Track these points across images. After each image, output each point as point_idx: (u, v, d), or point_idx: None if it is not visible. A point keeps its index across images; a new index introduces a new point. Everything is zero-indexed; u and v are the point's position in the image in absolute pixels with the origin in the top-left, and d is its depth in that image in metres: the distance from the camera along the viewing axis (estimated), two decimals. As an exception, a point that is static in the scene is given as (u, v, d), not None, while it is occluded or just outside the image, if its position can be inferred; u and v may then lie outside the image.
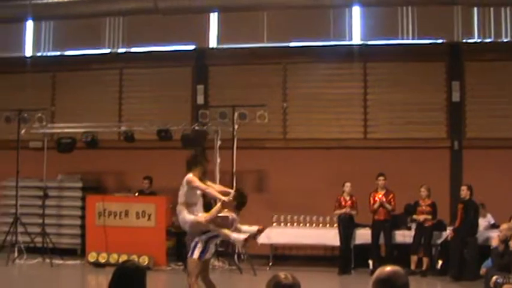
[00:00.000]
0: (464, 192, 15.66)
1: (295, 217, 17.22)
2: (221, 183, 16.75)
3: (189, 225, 10.44)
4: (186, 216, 10.40)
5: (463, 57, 18.17)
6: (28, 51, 21.06)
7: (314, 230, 17.05)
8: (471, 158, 17.63)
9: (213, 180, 17.25)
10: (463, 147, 17.93)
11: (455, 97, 18.04)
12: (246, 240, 10.36)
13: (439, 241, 16.06)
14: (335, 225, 16.68)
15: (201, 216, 10.40)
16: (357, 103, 18.62)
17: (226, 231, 10.16)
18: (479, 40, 18.20)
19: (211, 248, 10.38)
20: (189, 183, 10.52)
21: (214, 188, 10.87)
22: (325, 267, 16.66)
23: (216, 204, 10.68)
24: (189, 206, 10.47)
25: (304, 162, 18.30)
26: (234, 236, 10.29)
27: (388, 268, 4.46)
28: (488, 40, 18.15)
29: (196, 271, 10.32)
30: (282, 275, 4.51)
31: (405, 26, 18.36)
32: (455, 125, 18.07)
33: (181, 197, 10.56)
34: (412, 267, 15.72)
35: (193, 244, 10.32)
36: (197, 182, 10.48)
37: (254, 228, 10.89)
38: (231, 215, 10.27)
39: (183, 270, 15.54)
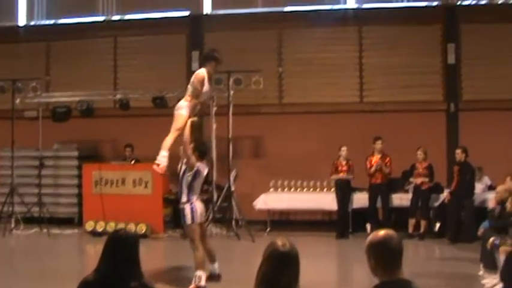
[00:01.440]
0: (459, 155, 15.67)
1: (292, 182, 17.24)
2: (217, 149, 16.83)
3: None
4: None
5: (459, 20, 18.08)
6: (21, 20, 20.93)
7: (311, 194, 17.06)
8: (467, 121, 17.62)
9: (209, 147, 17.32)
10: (459, 109, 17.91)
11: (451, 59, 17.98)
12: None
13: (436, 204, 16.13)
14: (332, 189, 16.71)
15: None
16: (352, 67, 18.57)
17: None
18: (474, 2, 18.14)
19: (198, 206, 10.39)
20: (195, 81, 10.47)
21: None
22: (323, 232, 16.69)
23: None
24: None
25: (300, 127, 18.28)
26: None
27: (382, 232, 4.47)
28: (483, 2, 18.08)
29: (196, 235, 10.41)
30: (279, 241, 4.44)
31: (400, -12, 18.27)
32: (451, 88, 18.04)
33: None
34: (410, 230, 15.80)
35: (182, 213, 10.36)
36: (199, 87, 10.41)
37: None
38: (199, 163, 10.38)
39: (180, 237, 15.59)
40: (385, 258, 4.30)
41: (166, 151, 9.99)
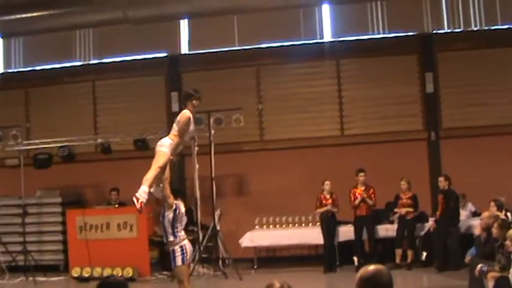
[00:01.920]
0: (442, 182, 15.72)
1: (277, 218, 17.26)
2: (200, 189, 16.80)
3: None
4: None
5: (435, 48, 18.22)
6: (-1, 68, 20.93)
7: (297, 230, 17.07)
8: (449, 148, 17.71)
9: (193, 188, 17.31)
10: (440, 137, 18.00)
11: (429, 88, 18.09)
12: None
13: (422, 233, 16.14)
14: (317, 223, 16.71)
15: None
16: (331, 100, 18.64)
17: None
18: (449, 30, 18.27)
19: (188, 247, 10.31)
20: (181, 120, 10.12)
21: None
22: (311, 267, 16.63)
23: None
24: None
25: (282, 163, 18.29)
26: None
27: (372, 267, 4.46)
28: (458, 30, 18.22)
29: (186, 276, 10.35)
30: (277, 283, 4.47)
31: (375, 20, 18.40)
32: (431, 116, 18.14)
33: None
34: (397, 260, 15.77)
35: (172, 255, 10.26)
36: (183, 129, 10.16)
37: None
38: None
39: (170, 279, 15.47)
40: (376, 293, 4.30)
41: (146, 186, 9.85)
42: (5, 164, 18.95)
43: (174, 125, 10.37)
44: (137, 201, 9.56)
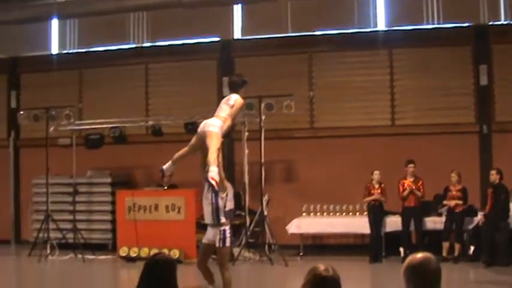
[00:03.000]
0: (493, 176, 15.51)
1: (325, 206, 17.23)
2: (249, 174, 16.88)
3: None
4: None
5: (490, 40, 17.93)
6: (54, 49, 21.19)
7: (344, 218, 17.04)
8: (501, 142, 17.45)
9: (241, 172, 17.39)
10: (492, 131, 17.74)
11: (483, 81, 17.84)
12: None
13: (471, 227, 15.95)
14: (365, 213, 16.66)
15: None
16: (383, 90, 18.50)
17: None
18: (506, 22, 18.00)
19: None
20: (236, 106, 10.32)
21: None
22: (356, 256, 16.60)
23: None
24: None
25: (332, 151, 18.25)
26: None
27: (420, 255, 4.44)
28: (514, 21, 17.95)
29: (227, 257, 10.47)
30: (321, 266, 4.45)
31: (430, 10, 18.20)
32: (483, 109, 17.89)
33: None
34: (444, 253, 15.61)
35: (222, 233, 10.26)
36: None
37: None
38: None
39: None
40: (424, 282, 4.28)
41: (215, 167, 9.89)
42: (57, 144, 19.17)
43: (225, 106, 10.39)
44: (214, 181, 9.63)
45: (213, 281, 10.82)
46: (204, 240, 10.55)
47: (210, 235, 10.34)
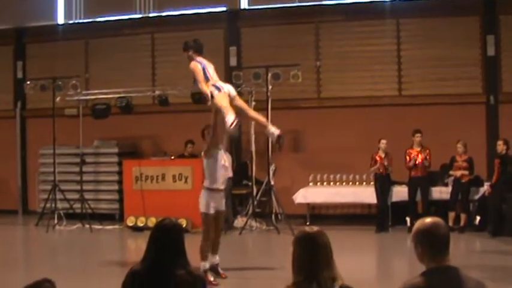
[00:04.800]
0: (500, 146, 15.50)
1: (332, 176, 17.26)
2: (256, 144, 16.89)
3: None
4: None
5: (498, 10, 17.84)
6: (60, 19, 21.12)
7: (350, 188, 17.06)
8: (508, 113, 17.39)
9: (248, 142, 17.41)
10: (499, 101, 17.71)
11: (491, 51, 17.77)
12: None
13: (477, 197, 15.99)
14: (371, 183, 16.68)
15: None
16: (390, 60, 18.44)
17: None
18: (514, -8, 17.89)
19: None
20: None
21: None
22: (363, 226, 16.67)
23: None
24: None
25: (339, 121, 18.26)
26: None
27: (429, 219, 4.46)
28: (523, -8, 17.83)
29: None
30: (307, 227, 4.58)
31: (438, -20, 18.13)
32: (490, 80, 17.84)
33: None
34: (450, 223, 15.60)
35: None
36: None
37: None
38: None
39: (224, 233, 15.60)
40: (432, 245, 4.30)
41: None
42: (64, 114, 19.21)
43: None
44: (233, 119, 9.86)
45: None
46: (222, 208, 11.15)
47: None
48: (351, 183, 17.17)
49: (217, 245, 11.18)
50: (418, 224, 4.45)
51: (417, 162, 16.11)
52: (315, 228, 4.54)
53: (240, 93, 17.97)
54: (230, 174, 12.14)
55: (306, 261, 4.38)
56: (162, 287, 4.85)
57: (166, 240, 5.04)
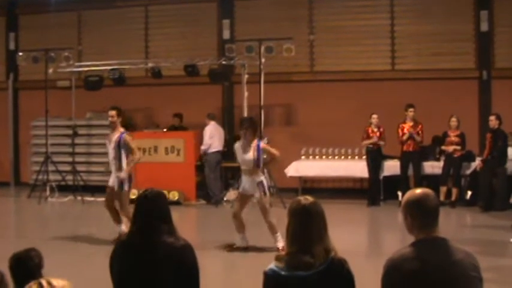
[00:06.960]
0: (493, 121, 15.51)
1: (324, 150, 17.29)
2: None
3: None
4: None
5: (492, -14, 17.85)
6: (53, -10, 20.99)
7: (342, 162, 17.10)
8: (500, 88, 17.46)
9: (241, 115, 17.38)
10: (492, 77, 17.74)
11: (484, 27, 17.78)
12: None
13: (468, 172, 16.06)
14: (363, 157, 16.71)
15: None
16: (384, 35, 18.43)
17: None
18: (508, -33, 17.85)
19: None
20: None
21: None
22: (355, 199, 16.74)
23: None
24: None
25: (331, 95, 18.26)
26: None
27: (419, 190, 4.46)
28: (517, -34, 17.79)
29: None
30: (301, 198, 4.57)
31: (432, -46, 18.07)
32: (483, 55, 17.86)
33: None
34: (442, 198, 15.70)
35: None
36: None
37: None
38: None
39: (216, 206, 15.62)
40: (422, 216, 4.29)
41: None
42: (56, 86, 19.17)
43: None
44: None
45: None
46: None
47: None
48: (343, 157, 17.21)
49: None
50: (408, 195, 4.45)
51: (406, 130, 16.12)
52: (310, 198, 4.54)
53: (233, 67, 18.04)
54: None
55: (300, 232, 4.39)
56: (150, 254, 4.87)
57: (150, 208, 5.07)
